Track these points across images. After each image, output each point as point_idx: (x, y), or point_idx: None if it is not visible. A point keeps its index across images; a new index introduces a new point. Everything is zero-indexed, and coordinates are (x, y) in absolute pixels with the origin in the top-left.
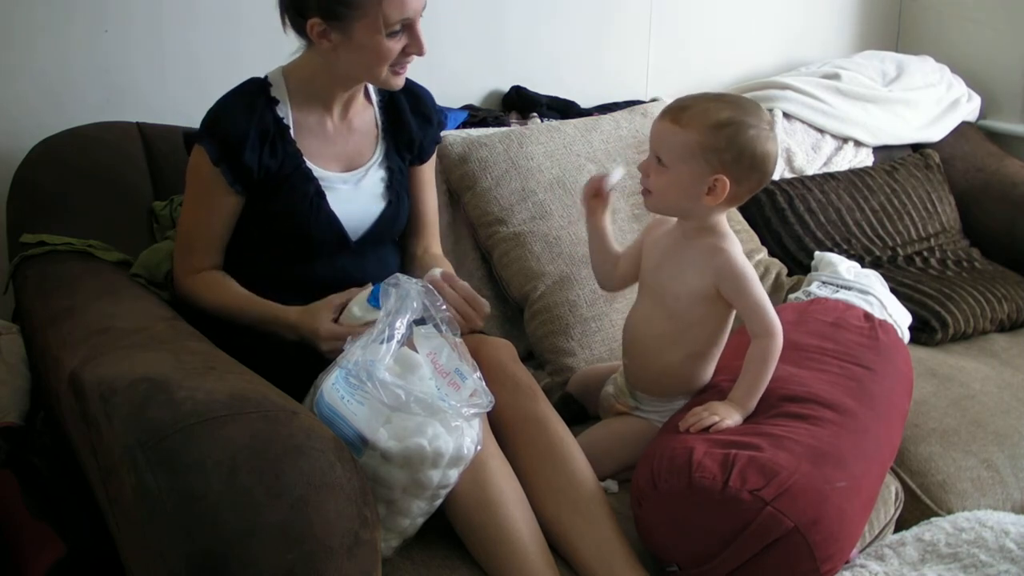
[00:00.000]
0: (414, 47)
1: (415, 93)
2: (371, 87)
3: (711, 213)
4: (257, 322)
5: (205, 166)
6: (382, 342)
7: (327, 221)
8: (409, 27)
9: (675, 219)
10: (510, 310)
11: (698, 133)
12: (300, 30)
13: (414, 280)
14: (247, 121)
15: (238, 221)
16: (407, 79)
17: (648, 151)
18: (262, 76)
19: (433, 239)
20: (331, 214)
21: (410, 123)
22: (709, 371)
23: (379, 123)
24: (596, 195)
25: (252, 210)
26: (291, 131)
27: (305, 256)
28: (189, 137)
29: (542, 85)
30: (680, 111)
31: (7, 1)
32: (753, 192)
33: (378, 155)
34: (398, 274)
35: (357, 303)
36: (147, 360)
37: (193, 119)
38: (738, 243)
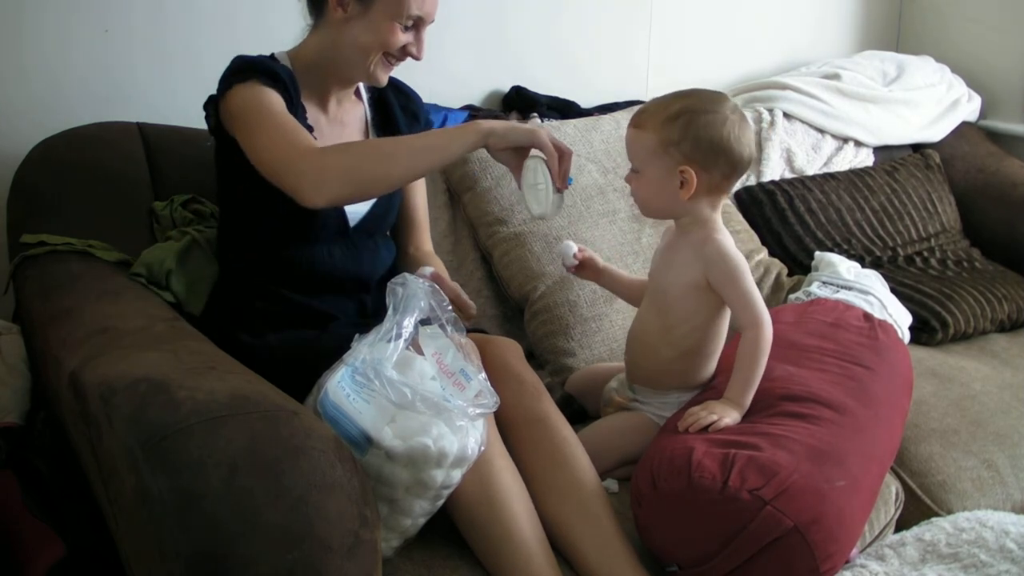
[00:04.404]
0: (415, 48)
1: (404, 92)
2: (362, 85)
3: (699, 208)
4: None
5: (260, 90)
6: (389, 340)
7: None
8: (418, 27)
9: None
10: (510, 310)
11: (654, 131)
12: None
13: (421, 280)
14: (283, 75)
15: (244, 190)
16: (396, 79)
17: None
18: (268, 55)
19: (424, 237)
20: None
21: (399, 119)
22: (706, 369)
23: (368, 119)
24: (579, 269)
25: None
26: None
27: (303, 237)
28: (218, 91)
29: (542, 85)
30: (639, 115)
31: (7, 1)
32: (732, 178)
33: None
34: (405, 274)
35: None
36: (147, 360)
37: (194, 119)
38: (730, 237)
